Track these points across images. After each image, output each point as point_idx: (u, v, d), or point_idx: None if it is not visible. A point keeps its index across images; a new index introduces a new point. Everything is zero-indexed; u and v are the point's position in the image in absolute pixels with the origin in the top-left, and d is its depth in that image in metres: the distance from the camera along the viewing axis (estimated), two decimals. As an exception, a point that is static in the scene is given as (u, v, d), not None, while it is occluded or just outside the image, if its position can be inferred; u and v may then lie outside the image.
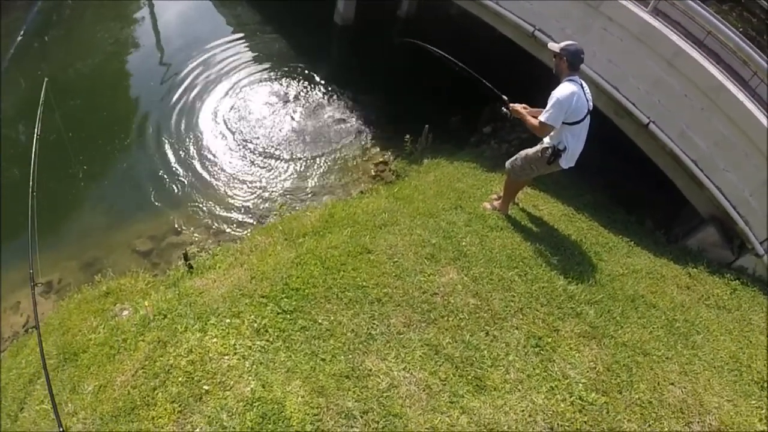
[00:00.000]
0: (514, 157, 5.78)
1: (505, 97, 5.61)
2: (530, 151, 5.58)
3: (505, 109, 5.63)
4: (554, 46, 5.17)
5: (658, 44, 6.21)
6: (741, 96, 5.93)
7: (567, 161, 5.37)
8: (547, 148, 5.36)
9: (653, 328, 5.22)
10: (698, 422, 4.49)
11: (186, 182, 8.06)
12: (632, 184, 7.79)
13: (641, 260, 6.17)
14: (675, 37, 6.14)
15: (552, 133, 5.28)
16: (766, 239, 6.24)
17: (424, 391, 4.16)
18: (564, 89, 5.02)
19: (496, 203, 6.30)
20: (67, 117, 8.75)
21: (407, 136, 8.20)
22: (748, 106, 5.89)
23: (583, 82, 5.17)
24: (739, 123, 5.98)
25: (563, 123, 5.09)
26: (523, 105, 5.50)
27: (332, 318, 4.60)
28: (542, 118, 5.05)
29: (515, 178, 5.92)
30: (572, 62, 5.08)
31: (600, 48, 6.58)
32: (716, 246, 6.66)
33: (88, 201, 7.85)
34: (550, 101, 5.02)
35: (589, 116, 5.21)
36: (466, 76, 5.94)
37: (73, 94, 9.45)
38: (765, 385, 4.95)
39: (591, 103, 5.21)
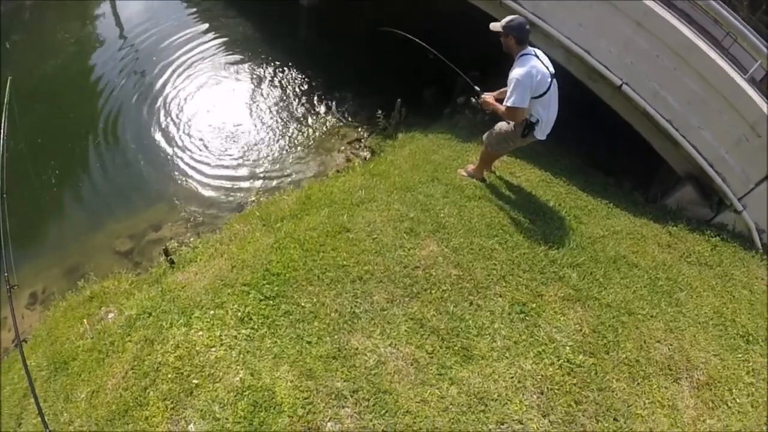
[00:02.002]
0: (490, 130, 5.75)
1: (477, 88, 5.55)
2: (504, 125, 5.54)
3: (475, 100, 5.59)
4: (496, 26, 5.04)
5: (627, 5, 6.11)
6: (713, 54, 5.90)
7: (542, 132, 5.31)
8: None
9: (636, 287, 5.28)
10: (686, 378, 4.57)
11: (160, 176, 7.97)
12: (608, 147, 7.77)
13: (621, 221, 6.20)
14: (643, -3, 6.09)
15: None
16: (744, 195, 6.30)
17: (411, 365, 4.18)
18: (521, 68, 4.91)
19: (470, 168, 6.31)
20: (35, 122, 8.62)
21: (380, 112, 8.15)
22: (720, 64, 5.87)
23: (537, 51, 5.09)
24: (711, 81, 5.96)
25: (531, 98, 5.01)
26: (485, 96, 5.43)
27: (315, 300, 4.59)
28: (508, 103, 4.97)
29: (492, 150, 5.90)
30: (519, 37, 4.98)
31: (569, 13, 6.49)
32: (695, 204, 6.71)
33: (63, 206, 7.74)
34: (511, 84, 4.93)
35: (554, 81, 5.11)
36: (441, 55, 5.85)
37: (39, 99, 9.22)
38: (750, 338, 5.04)
39: (552, 68, 5.11)
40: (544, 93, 5.04)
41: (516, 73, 4.91)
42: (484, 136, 5.85)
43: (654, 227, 6.27)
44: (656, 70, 6.22)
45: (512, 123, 5.36)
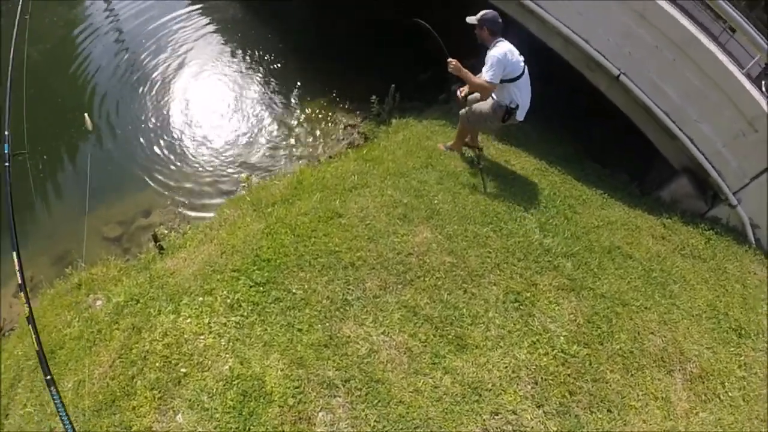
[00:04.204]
0: (468, 107, 5.93)
1: (446, 52, 5.57)
2: (484, 107, 5.73)
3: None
4: (471, 19, 5.42)
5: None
6: (713, 47, 5.89)
7: (521, 114, 5.59)
8: (501, 106, 5.53)
9: (631, 278, 5.28)
10: (679, 370, 4.58)
11: (150, 162, 7.82)
12: (603, 137, 7.76)
13: (616, 212, 6.21)
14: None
15: (503, 94, 5.49)
16: (740, 190, 6.31)
17: (404, 354, 4.11)
18: (498, 49, 5.28)
19: (450, 143, 6.51)
20: (22, 108, 8.45)
21: (374, 97, 8.05)
22: (720, 58, 5.87)
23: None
24: (711, 74, 5.96)
25: (507, 81, 5.33)
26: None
27: (306, 287, 4.50)
28: (486, 77, 5.23)
29: (470, 127, 6.14)
30: (492, 29, 5.36)
31: (569, 1, 6.44)
32: (690, 197, 6.73)
33: (52, 193, 7.57)
34: (488, 62, 5.25)
35: (526, 67, 5.41)
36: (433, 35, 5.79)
37: (26, 84, 9.03)
38: (742, 332, 5.08)
39: (522, 57, 5.46)
40: (520, 75, 5.37)
41: (493, 52, 5.28)
42: (461, 113, 6.04)
43: (648, 219, 6.28)
44: (655, 61, 6.20)
45: (489, 106, 5.64)
